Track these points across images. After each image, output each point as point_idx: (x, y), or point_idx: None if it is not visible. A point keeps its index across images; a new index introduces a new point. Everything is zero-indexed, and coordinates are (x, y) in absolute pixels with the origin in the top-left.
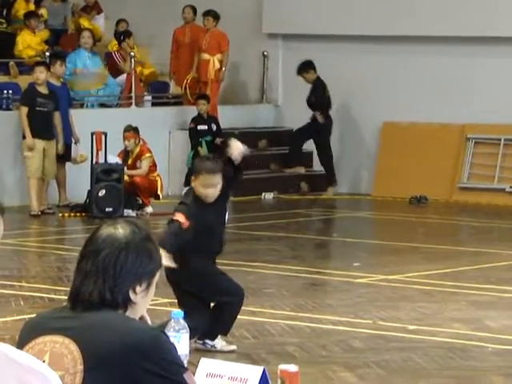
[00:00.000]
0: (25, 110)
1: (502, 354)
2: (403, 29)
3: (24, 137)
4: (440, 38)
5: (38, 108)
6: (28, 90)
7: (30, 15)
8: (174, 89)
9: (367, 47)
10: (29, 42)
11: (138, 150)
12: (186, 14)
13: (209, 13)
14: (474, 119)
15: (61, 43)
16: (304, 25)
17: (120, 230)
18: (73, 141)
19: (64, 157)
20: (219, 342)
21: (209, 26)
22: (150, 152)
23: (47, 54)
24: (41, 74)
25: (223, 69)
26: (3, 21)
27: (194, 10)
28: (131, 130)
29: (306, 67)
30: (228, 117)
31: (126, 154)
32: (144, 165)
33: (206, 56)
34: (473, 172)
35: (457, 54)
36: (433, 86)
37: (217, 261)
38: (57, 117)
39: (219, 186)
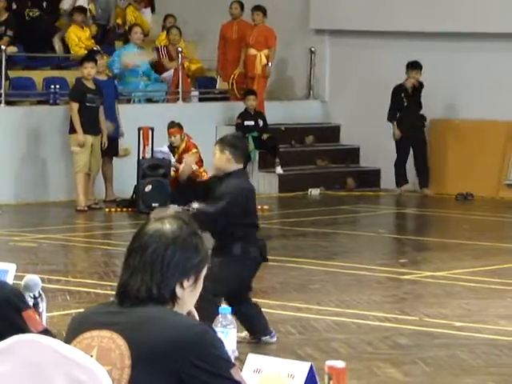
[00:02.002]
0: (76, 105)
1: None
2: (446, 25)
3: (71, 131)
4: (485, 35)
5: (87, 104)
6: (77, 85)
7: (77, 10)
8: (220, 85)
9: (413, 44)
10: (79, 37)
11: (183, 145)
12: (233, 10)
13: (258, 8)
14: None
15: (105, 38)
16: (351, 21)
17: (167, 226)
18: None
19: (111, 152)
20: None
21: (258, 21)
22: (196, 147)
23: (94, 49)
24: (91, 69)
25: (270, 64)
26: (36, 10)
27: (242, 6)
28: (175, 126)
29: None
30: (275, 113)
31: (171, 149)
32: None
33: (253, 51)
34: None
35: (503, 49)
36: (480, 83)
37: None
38: (101, 111)
39: (222, 163)
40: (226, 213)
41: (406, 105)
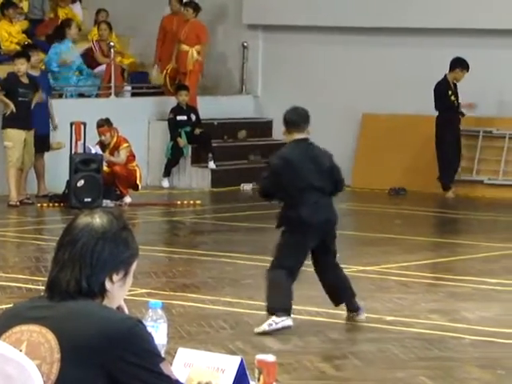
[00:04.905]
0: (2, 93)
1: (479, 346)
2: (383, 20)
3: (4, 127)
4: (420, 30)
5: (20, 98)
6: (8, 77)
7: (7, 5)
8: (157, 75)
9: (347, 38)
10: (9, 32)
11: (114, 140)
12: (172, 5)
13: (189, 4)
14: None
15: (37, 32)
16: (284, 16)
17: (97, 220)
18: (51, 128)
19: (43, 147)
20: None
21: (188, 16)
22: (127, 142)
23: (27, 43)
24: (22, 65)
25: (200, 59)
26: None
27: (180, 1)
28: (104, 125)
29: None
30: (207, 107)
31: (102, 146)
32: (122, 155)
33: (184, 47)
34: None
35: (434, 45)
36: (411, 78)
37: (193, 251)
38: (50, 106)
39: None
40: None
41: None
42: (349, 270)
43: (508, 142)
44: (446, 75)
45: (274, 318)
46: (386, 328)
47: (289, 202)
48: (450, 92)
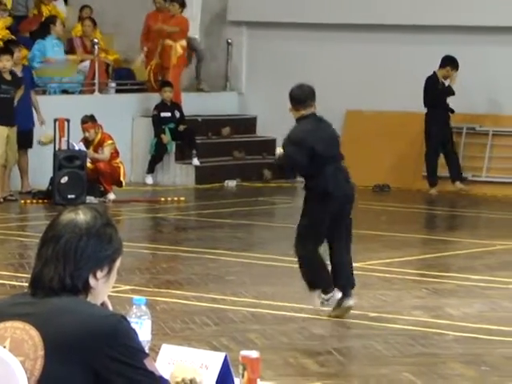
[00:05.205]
0: None
1: (462, 342)
2: (367, 17)
3: None
4: (405, 27)
5: (1, 95)
6: None
7: None
8: (140, 64)
9: (332, 35)
10: None
11: (98, 137)
12: (156, 2)
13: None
14: None
15: (20, 29)
16: (268, 13)
17: (81, 216)
18: (36, 124)
19: (26, 143)
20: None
21: (174, 11)
22: (111, 138)
23: (11, 39)
24: (7, 62)
25: (185, 54)
26: None
27: None
28: (89, 121)
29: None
30: (192, 104)
31: (86, 143)
32: (106, 151)
33: (169, 42)
34: None
35: (419, 42)
36: (396, 74)
37: (177, 247)
38: (34, 101)
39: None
40: None
41: None
42: None
43: (491, 138)
44: (435, 72)
45: (322, 295)
46: (369, 324)
47: (312, 174)
48: (437, 88)
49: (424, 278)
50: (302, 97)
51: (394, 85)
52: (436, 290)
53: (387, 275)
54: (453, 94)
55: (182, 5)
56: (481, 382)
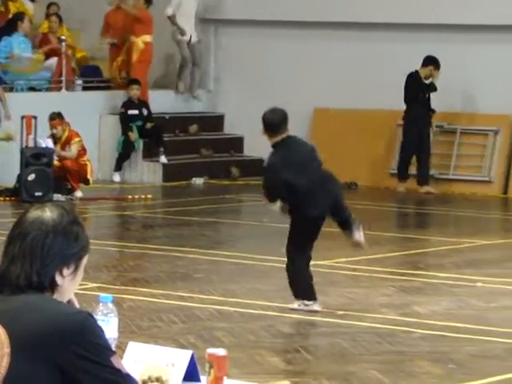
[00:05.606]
0: None
1: (429, 339)
2: (334, 15)
3: None
4: (377, 25)
5: None
6: None
7: None
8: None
9: (299, 33)
10: None
11: (66, 134)
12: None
13: None
14: (403, 106)
15: None
16: (236, 10)
17: (47, 213)
18: (2, 119)
19: None
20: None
21: (139, 6)
22: (79, 136)
23: None
24: None
25: (143, 47)
26: None
27: None
28: (56, 118)
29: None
30: (159, 102)
31: (54, 139)
32: (73, 149)
33: (133, 38)
34: None
35: (389, 40)
36: (365, 73)
37: (145, 245)
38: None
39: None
40: None
41: None
42: None
43: (459, 136)
44: (417, 70)
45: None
46: (336, 322)
47: (293, 200)
48: (418, 87)
49: (392, 276)
50: (275, 122)
51: (362, 83)
52: (403, 288)
53: (355, 273)
54: (435, 90)
55: (148, 1)
56: (447, 379)
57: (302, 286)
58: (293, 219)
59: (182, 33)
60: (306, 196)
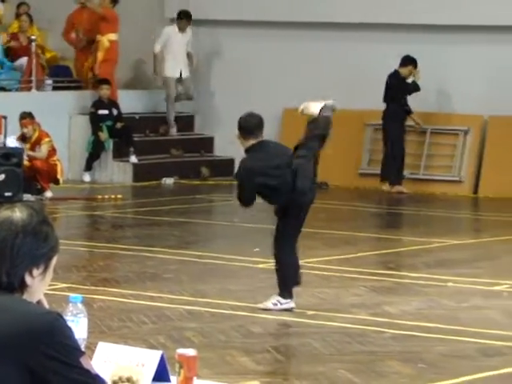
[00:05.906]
0: None
1: (400, 340)
2: (306, 15)
3: None
4: (350, 25)
5: None
6: None
7: None
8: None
9: (270, 33)
10: None
11: (36, 135)
12: None
13: None
14: (372, 105)
15: None
16: (207, 10)
17: (17, 214)
18: None
19: None
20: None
21: (105, 5)
22: (49, 136)
23: None
24: None
25: (108, 45)
26: None
27: None
28: (27, 117)
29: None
30: (130, 102)
31: (23, 139)
32: (43, 149)
33: (98, 37)
34: (373, 158)
35: (363, 39)
36: (332, 73)
37: (115, 245)
38: None
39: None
40: None
41: None
42: (270, 264)
43: (430, 136)
44: (396, 70)
45: (279, 298)
46: (307, 322)
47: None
48: (401, 86)
49: (362, 276)
50: (251, 126)
51: (333, 82)
52: (374, 288)
53: (325, 273)
54: (419, 89)
55: (114, 0)
56: (418, 379)
57: (289, 281)
58: (281, 217)
59: (155, 73)
60: (287, 192)
